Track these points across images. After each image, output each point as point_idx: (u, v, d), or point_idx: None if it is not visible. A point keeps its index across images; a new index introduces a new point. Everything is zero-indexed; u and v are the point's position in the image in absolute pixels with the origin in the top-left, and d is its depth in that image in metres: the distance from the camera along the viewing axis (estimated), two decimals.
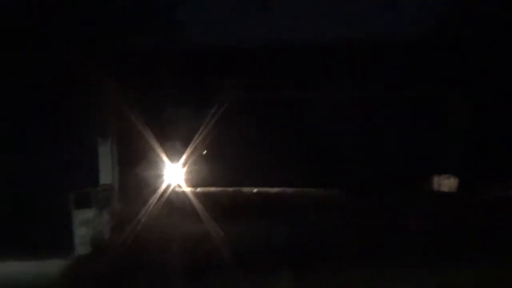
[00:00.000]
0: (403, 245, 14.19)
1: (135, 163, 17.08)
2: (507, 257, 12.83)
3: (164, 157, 17.02)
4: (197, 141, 17.10)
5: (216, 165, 18.20)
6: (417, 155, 18.81)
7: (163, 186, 17.22)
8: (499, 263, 12.30)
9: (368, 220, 16.35)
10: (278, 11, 17.72)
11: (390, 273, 11.57)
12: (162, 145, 16.86)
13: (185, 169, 17.68)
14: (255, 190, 18.95)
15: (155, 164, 17.13)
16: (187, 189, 17.65)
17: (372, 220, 16.31)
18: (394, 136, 18.52)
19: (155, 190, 16.98)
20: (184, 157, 17.34)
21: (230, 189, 18.80)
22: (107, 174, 16.88)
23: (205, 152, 18.06)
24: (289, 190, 18.88)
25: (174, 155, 17.40)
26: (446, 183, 19.26)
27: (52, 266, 13.85)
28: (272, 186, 18.97)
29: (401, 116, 18.92)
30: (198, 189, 18.21)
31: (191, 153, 17.20)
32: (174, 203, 17.05)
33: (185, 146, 17.30)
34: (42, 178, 16.15)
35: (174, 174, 17.62)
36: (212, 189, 18.55)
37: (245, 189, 18.85)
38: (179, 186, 17.75)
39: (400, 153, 18.58)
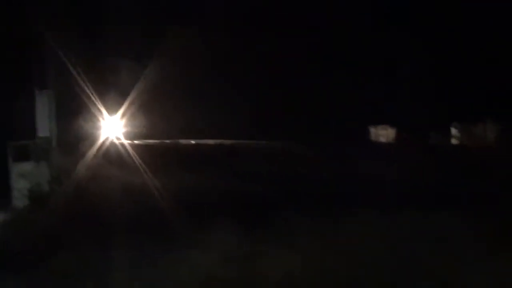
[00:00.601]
0: (347, 191, 14.57)
1: (74, 116, 16.97)
2: (442, 202, 13.23)
3: (103, 110, 16.94)
4: (137, 93, 17.05)
5: (158, 118, 18.19)
6: (358, 107, 19.12)
7: (102, 139, 17.20)
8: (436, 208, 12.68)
9: (312, 168, 16.68)
10: None
11: (338, 219, 11.80)
12: (102, 98, 16.76)
13: (124, 121, 17.64)
14: (193, 142, 19.05)
15: (94, 117, 17.06)
16: (126, 142, 17.64)
17: (315, 169, 16.65)
18: (336, 91, 18.76)
19: (93, 142, 16.96)
20: (123, 109, 17.30)
21: (168, 141, 18.85)
22: (45, 126, 16.69)
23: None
24: (228, 142, 19.05)
25: (113, 108, 17.34)
26: (384, 134, 19.71)
27: None
28: (216, 139, 19.07)
29: (343, 71, 19.13)
30: (137, 142, 18.23)
31: (130, 106, 17.17)
32: (113, 155, 17.06)
33: (124, 98, 17.25)
34: None
35: (113, 127, 17.59)
36: (151, 141, 18.59)
37: (183, 141, 18.95)
38: (117, 138, 17.73)
39: (343, 106, 18.83)
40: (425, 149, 18.98)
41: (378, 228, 11.31)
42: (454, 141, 19.60)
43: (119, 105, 17.32)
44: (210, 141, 18.96)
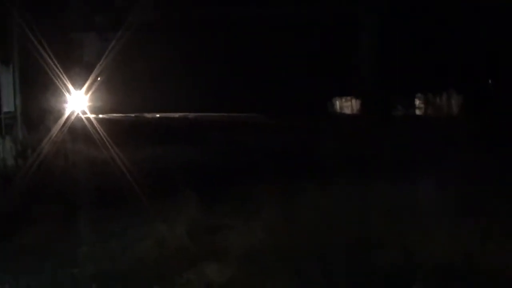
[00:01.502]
0: (306, 162, 14.73)
1: (39, 89, 16.91)
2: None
3: (69, 84, 16.90)
4: (102, 67, 17.02)
5: (123, 92, 18.16)
6: (323, 79, 19.23)
7: (67, 113, 17.19)
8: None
9: (279, 139, 16.85)
10: None
11: (302, 188, 11.95)
12: (66, 72, 16.70)
13: (88, 95, 17.62)
14: (157, 115, 19.10)
15: (60, 91, 17.01)
16: (91, 116, 17.65)
17: (283, 139, 16.81)
18: (303, 62, 18.85)
19: (58, 117, 16.94)
20: (87, 84, 17.27)
21: (133, 115, 18.88)
22: (9, 101, 16.66)
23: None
24: (192, 114, 19.12)
25: (78, 82, 17.31)
26: (348, 105, 19.91)
27: None
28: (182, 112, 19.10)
29: (309, 42, 19.22)
30: (102, 116, 18.24)
31: (95, 80, 17.14)
32: (78, 130, 17.06)
33: (89, 72, 17.21)
34: None
35: (78, 101, 17.57)
36: (116, 115, 18.60)
37: (148, 115, 18.99)
38: (83, 112, 17.72)
39: (309, 77, 18.95)
40: (389, 120, 19.19)
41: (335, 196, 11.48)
42: (417, 112, 19.84)
43: (84, 80, 17.28)
44: (175, 114, 19.01)
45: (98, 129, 16.39)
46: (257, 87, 18.54)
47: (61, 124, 16.64)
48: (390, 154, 15.33)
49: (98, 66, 16.97)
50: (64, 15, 17.25)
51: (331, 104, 19.86)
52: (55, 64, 16.34)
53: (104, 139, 16.10)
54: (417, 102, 19.96)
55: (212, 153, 16.54)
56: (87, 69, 17.38)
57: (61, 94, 17.15)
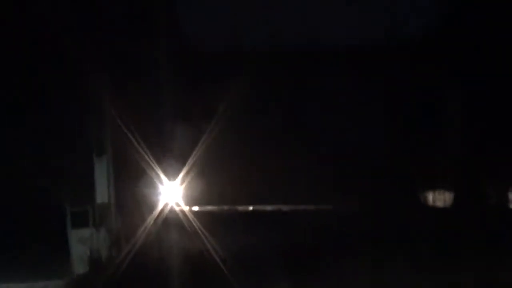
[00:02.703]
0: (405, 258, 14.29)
1: (132, 180, 16.93)
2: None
3: (162, 174, 16.87)
4: (196, 156, 16.96)
5: (217, 182, 18.03)
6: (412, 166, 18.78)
7: (161, 204, 17.10)
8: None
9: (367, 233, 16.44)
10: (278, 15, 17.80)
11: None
12: (160, 161, 16.72)
13: (183, 186, 17.51)
14: (250, 207, 18.85)
15: (153, 181, 16.99)
16: (185, 207, 17.51)
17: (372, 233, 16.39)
18: (391, 147, 18.47)
19: (153, 208, 16.87)
20: (182, 173, 17.19)
21: (226, 207, 18.68)
22: (104, 191, 16.74)
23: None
24: (285, 207, 18.80)
25: (172, 172, 17.26)
26: (441, 198, 19.30)
27: (49, 286, 13.68)
28: (276, 204, 18.85)
29: (397, 127, 18.89)
30: (196, 208, 18.09)
31: (190, 170, 17.05)
32: (172, 221, 16.93)
33: (184, 162, 17.16)
34: (37, 196, 16.05)
35: (172, 191, 17.47)
36: (209, 207, 18.44)
37: (240, 207, 18.77)
38: (177, 204, 17.60)
39: (397, 164, 18.51)
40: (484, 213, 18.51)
41: None
42: None
43: (179, 170, 17.22)
44: (268, 207, 18.72)
45: (192, 221, 16.29)
46: (351, 175, 18.24)
47: (155, 215, 16.58)
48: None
49: (192, 156, 16.91)
50: (157, 107, 17.36)
51: (424, 196, 19.28)
52: (148, 155, 16.37)
53: (198, 230, 15.96)
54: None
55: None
56: (181, 160, 17.32)
57: (154, 185, 17.09)
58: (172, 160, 17.41)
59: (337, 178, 18.42)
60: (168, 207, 17.19)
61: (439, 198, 19.17)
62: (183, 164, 17.06)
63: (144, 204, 17.03)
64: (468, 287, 12.53)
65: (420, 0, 18.24)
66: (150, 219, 16.36)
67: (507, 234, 15.67)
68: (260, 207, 18.67)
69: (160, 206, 16.98)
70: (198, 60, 17.73)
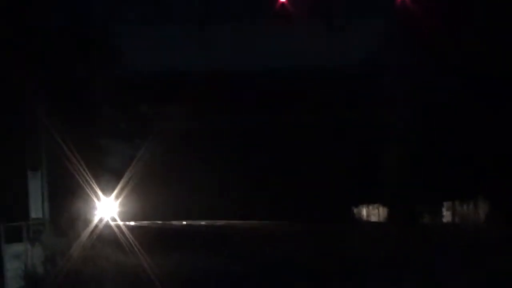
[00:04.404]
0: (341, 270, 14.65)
1: (67, 196, 17.00)
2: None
3: (97, 191, 17.00)
4: (130, 174, 17.18)
5: (152, 199, 18.26)
6: (351, 185, 19.31)
7: (96, 220, 17.25)
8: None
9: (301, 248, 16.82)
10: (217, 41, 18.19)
11: None
12: (95, 178, 16.85)
13: (117, 202, 17.69)
14: (184, 222, 19.16)
15: (88, 197, 17.10)
16: (120, 223, 17.69)
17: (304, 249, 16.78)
18: (331, 168, 18.96)
19: (87, 223, 16.99)
20: (116, 191, 17.38)
21: (160, 222, 18.95)
22: (38, 207, 16.73)
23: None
24: (220, 222, 19.16)
25: (106, 189, 17.42)
26: (375, 213, 19.91)
27: None
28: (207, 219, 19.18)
29: (335, 147, 19.37)
30: (129, 223, 18.28)
31: (125, 186, 17.26)
32: (107, 236, 17.07)
33: (119, 179, 17.35)
34: None
35: (107, 207, 17.65)
36: (144, 222, 18.65)
37: (175, 222, 19.05)
38: (112, 219, 17.77)
39: (336, 184, 19.01)
40: (416, 228, 19.20)
41: None
42: (445, 220, 19.77)
43: (113, 187, 17.40)
44: (202, 222, 19.07)
45: (127, 236, 16.43)
46: (284, 194, 18.67)
47: (90, 231, 16.69)
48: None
49: (126, 173, 17.14)
50: (93, 122, 17.53)
51: (358, 211, 19.92)
52: (84, 171, 16.48)
53: (132, 245, 16.11)
54: (444, 210, 19.90)
55: (238, 261, 16.46)
56: (116, 176, 17.52)
57: (89, 201, 17.21)
58: (107, 176, 17.59)
59: (276, 197, 18.88)
60: (103, 222, 17.35)
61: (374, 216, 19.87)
62: (118, 181, 17.27)
63: (79, 219, 17.13)
64: None
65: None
66: (85, 234, 16.48)
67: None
68: (194, 222, 18.99)
69: (95, 221, 17.13)
70: (137, 82, 17.97)
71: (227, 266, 15.69)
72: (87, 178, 16.63)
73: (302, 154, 18.96)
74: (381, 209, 19.91)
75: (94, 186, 16.83)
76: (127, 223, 18.10)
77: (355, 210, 20.28)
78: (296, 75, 18.74)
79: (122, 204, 17.80)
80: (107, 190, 17.44)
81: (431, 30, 18.26)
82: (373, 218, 20.03)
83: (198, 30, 18.46)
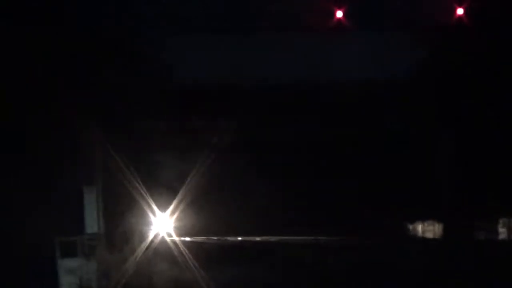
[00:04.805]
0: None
1: (122, 211, 16.95)
2: None
3: (152, 205, 16.91)
4: (186, 189, 17.03)
5: (206, 214, 18.09)
6: (402, 198, 18.96)
7: (150, 235, 17.13)
8: None
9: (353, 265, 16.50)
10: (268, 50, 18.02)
11: None
12: (150, 193, 16.76)
13: (173, 218, 17.56)
14: (239, 238, 18.91)
15: (143, 212, 17.01)
16: (175, 238, 17.54)
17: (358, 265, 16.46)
18: (379, 179, 18.61)
19: (142, 239, 16.89)
20: (172, 205, 17.25)
21: (215, 238, 18.74)
22: (93, 222, 16.72)
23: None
24: (274, 238, 18.88)
25: (162, 203, 17.30)
26: (431, 229, 19.48)
27: None
28: (263, 235, 18.92)
29: (385, 160, 19.06)
30: (185, 238, 18.12)
31: (180, 202, 17.11)
32: (162, 252, 16.95)
33: (174, 194, 17.22)
34: (26, 226, 16.03)
35: (162, 223, 17.52)
36: (200, 238, 18.48)
37: (231, 238, 18.82)
38: (168, 235, 17.63)
39: (386, 197, 18.67)
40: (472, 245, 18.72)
41: None
42: (501, 237, 19.22)
43: (169, 201, 17.28)
44: (257, 238, 18.80)
45: (182, 251, 16.32)
46: (337, 207, 18.35)
47: (145, 246, 16.61)
48: None
49: (182, 187, 17.00)
50: (147, 136, 17.45)
51: (413, 227, 19.45)
52: (139, 185, 16.43)
53: (188, 261, 15.99)
54: (499, 226, 19.38)
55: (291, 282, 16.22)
56: (171, 191, 17.38)
57: (145, 216, 17.12)
58: (162, 191, 17.48)
59: (325, 212, 18.60)
60: (158, 238, 17.23)
61: (429, 231, 19.37)
62: (174, 196, 17.15)
63: (134, 234, 17.06)
64: None
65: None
66: (140, 250, 16.40)
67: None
68: (249, 238, 18.76)
69: (150, 237, 17.03)
70: (191, 94, 17.89)
71: (282, 284, 15.50)
72: (142, 193, 16.56)
73: (360, 168, 18.66)
74: (435, 224, 19.42)
75: (149, 201, 16.74)
76: (183, 238, 17.93)
77: (409, 226, 19.81)
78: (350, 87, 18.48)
79: (178, 219, 17.64)
80: (162, 205, 17.32)
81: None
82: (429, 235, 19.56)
83: (250, 40, 18.29)
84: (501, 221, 19.06)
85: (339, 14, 18.01)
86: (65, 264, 15.49)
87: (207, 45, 18.03)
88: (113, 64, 17.08)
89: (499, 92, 17.91)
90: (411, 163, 18.90)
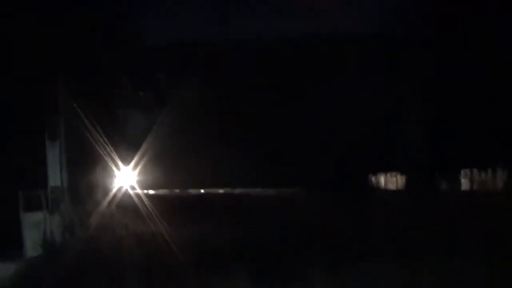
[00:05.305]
0: (356, 240, 14.52)
1: (85, 165, 17.00)
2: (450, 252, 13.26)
3: (115, 159, 16.99)
4: (148, 143, 17.15)
5: (168, 167, 18.26)
6: (368, 152, 19.28)
7: (114, 188, 17.25)
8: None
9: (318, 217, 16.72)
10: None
11: (346, 269, 11.86)
12: (114, 147, 16.83)
13: (136, 171, 17.70)
14: (201, 191, 19.15)
15: (106, 166, 17.11)
16: (138, 191, 17.70)
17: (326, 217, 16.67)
18: (346, 134, 18.91)
19: (106, 192, 16.99)
20: (135, 159, 17.38)
21: (177, 190, 18.95)
22: (56, 176, 16.71)
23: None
24: (236, 190, 19.15)
25: (125, 158, 17.41)
26: (393, 180, 19.84)
27: (3, 270, 13.61)
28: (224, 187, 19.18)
29: (353, 114, 19.32)
30: (147, 191, 18.29)
31: (143, 155, 17.25)
32: (125, 204, 17.08)
33: (137, 147, 17.33)
34: None
35: (125, 176, 17.65)
36: (161, 191, 18.67)
37: (193, 191, 19.04)
38: (131, 187, 17.79)
39: (352, 151, 18.97)
40: (433, 196, 19.12)
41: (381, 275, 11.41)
42: (463, 188, 19.68)
43: (131, 155, 17.41)
44: (219, 190, 19.05)
45: (146, 204, 16.42)
46: (298, 160, 18.62)
47: (108, 199, 16.70)
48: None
49: (144, 141, 17.12)
50: (111, 93, 17.48)
51: (376, 179, 19.83)
52: (102, 139, 16.46)
53: (151, 213, 16.10)
54: (462, 177, 19.80)
55: (256, 229, 16.39)
56: (134, 145, 17.50)
57: (108, 169, 17.22)
58: (125, 145, 17.59)
59: (292, 164, 18.83)
60: (122, 190, 17.36)
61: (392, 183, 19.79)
62: (137, 150, 17.27)
63: (98, 188, 17.16)
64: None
65: None
66: (104, 203, 16.50)
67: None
68: (211, 190, 18.99)
69: (114, 190, 17.15)
70: (154, 51, 17.94)
71: (243, 234, 15.66)
72: (106, 147, 16.62)
73: (320, 121, 18.91)
74: (398, 177, 19.82)
75: (112, 155, 16.83)
76: (145, 191, 18.10)
77: (372, 178, 20.22)
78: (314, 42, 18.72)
79: (140, 173, 17.81)
80: (125, 159, 17.44)
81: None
82: (390, 186, 19.95)
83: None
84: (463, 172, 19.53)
85: None
86: (29, 218, 15.43)
87: (170, 5, 18.09)
88: (81, 18, 17.01)
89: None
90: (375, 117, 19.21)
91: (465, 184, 19.67)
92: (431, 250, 13.04)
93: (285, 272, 11.88)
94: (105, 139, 16.57)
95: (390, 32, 19.63)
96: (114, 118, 17.89)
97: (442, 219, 16.17)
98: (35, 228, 15.46)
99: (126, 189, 17.70)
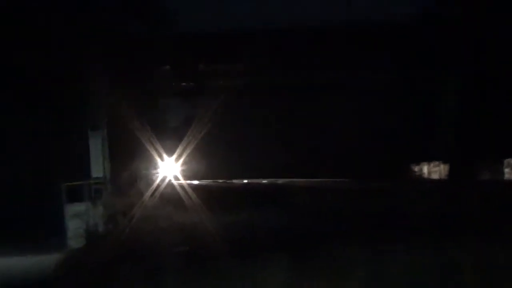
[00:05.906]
0: (400, 229, 14.19)
1: (127, 156, 16.94)
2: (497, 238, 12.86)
3: (158, 150, 16.90)
4: (191, 133, 17.00)
5: (212, 158, 18.12)
6: (409, 142, 18.99)
7: (156, 179, 17.15)
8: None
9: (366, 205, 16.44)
10: None
11: (389, 257, 11.56)
12: (157, 137, 16.75)
13: (179, 162, 17.56)
14: (245, 181, 18.99)
15: (149, 157, 17.02)
16: (181, 182, 17.57)
17: (370, 205, 16.38)
18: (387, 124, 18.61)
19: (148, 183, 16.90)
20: (178, 150, 17.24)
21: (221, 181, 18.81)
22: (99, 167, 16.69)
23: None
24: (280, 180, 18.94)
25: (168, 148, 17.29)
26: (436, 170, 19.51)
27: (46, 260, 13.64)
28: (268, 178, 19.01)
29: (393, 105, 19.06)
30: (191, 182, 18.16)
31: (186, 146, 17.10)
32: (168, 195, 16.97)
33: (180, 138, 17.21)
34: (33, 172, 16.06)
35: (168, 167, 17.53)
36: (205, 181, 18.52)
37: (236, 181, 18.90)
38: (174, 178, 17.67)
39: (393, 141, 18.68)
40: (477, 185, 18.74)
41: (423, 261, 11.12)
42: (505, 177, 19.29)
43: (175, 146, 17.28)
44: (263, 180, 18.84)
45: (190, 195, 16.29)
46: (343, 151, 18.35)
47: (152, 190, 16.60)
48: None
49: (187, 132, 16.96)
50: (153, 82, 17.38)
51: (419, 168, 19.48)
52: (144, 130, 16.39)
53: (194, 204, 15.96)
54: (504, 167, 19.38)
55: (301, 218, 16.14)
56: (176, 135, 17.37)
57: (151, 160, 17.13)
58: (167, 135, 17.47)
59: (333, 157, 18.59)
60: (165, 181, 17.26)
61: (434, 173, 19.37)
62: (180, 140, 17.14)
63: (141, 179, 17.08)
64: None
65: None
66: (147, 194, 16.40)
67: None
68: (256, 180, 18.83)
69: (156, 181, 17.06)
70: (195, 41, 17.81)
71: (289, 224, 15.43)
72: (149, 137, 16.53)
73: (363, 111, 18.66)
74: (440, 166, 19.44)
75: (155, 145, 16.72)
76: (189, 182, 17.95)
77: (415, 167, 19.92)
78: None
79: (183, 164, 17.66)
80: (168, 150, 17.31)
81: None
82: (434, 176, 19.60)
83: None
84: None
85: None
86: (72, 209, 15.48)
87: None
88: (121, 10, 17.01)
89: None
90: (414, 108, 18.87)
91: (508, 173, 19.29)
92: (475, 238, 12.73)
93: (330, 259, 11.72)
94: (148, 130, 16.49)
95: (425, 22, 19.28)
96: (156, 109, 17.79)
97: (484, 207, 15.78)
98: (78, 219, 15.52)
99: (169, 180, 17.58)
